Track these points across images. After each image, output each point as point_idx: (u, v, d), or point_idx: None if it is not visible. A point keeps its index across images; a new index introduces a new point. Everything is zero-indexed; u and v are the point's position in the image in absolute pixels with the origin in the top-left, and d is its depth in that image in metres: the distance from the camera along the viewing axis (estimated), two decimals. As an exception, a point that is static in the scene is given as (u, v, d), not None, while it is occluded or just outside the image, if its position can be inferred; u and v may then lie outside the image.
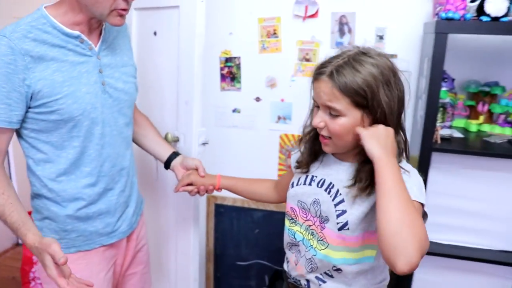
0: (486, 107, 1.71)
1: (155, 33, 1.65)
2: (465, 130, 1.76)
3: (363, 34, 1.80)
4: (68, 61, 1.14)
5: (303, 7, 1.83)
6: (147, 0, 1.63)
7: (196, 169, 1.46)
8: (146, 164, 1.77)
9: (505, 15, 1.37)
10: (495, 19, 1.37)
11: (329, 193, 1.10)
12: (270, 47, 1.92)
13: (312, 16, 1.83)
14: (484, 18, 1.38)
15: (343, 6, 1.80)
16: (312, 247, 1.12)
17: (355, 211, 1.04)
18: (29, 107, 1.13)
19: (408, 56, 1.76)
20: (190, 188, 1.45)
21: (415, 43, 1.73)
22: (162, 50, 1.64)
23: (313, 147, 1.16)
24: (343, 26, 1.82)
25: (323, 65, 1.02)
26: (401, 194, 0.89)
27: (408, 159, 1.09)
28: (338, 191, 1.08)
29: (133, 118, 1.39)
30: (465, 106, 1.78)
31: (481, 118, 1.74)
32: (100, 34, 1.22)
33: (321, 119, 1.04)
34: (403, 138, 1.06)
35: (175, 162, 1.49)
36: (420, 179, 1.02)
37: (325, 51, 1.84)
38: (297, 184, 1.19)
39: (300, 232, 1.17)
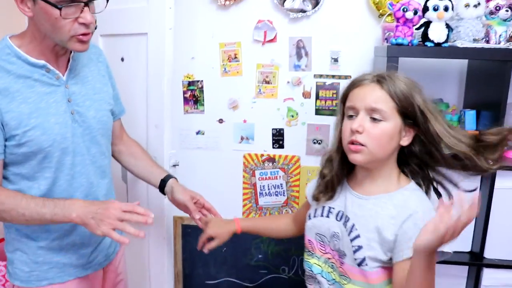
0: (432, 122, 1.86)
1: (122, 59, 1.67)
2: (415, 144, 1.89)
3: (319, 57, 1.91)
4: (35, 92, 1.11)
5: (262, 32, 1.91)
6: (114, 27, 1.65)
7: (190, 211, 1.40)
8: (116, 188, 1.74)
9: (446, 41, 1.53)
10: (438, 44, 1.53)
11: (345, 226, 1.07)
12: (231, 71, 1.99)
13: (271, 40, 1.92)
14: (429, 44, 1.53)
15: (299, 31, 1.90)
16: (336, 281, 1.09)
17: (371, 248, 1.01)
18: None
19: (361, 77, 1.89)
20: (214, 244, 1.38)
21: (367, 65, 1.86)
22: (130, 76, 1.65)
23: (339, 173, 1.12)
24: (300, 49, 1.92)
25: (362, 76, 1.05)
26: None
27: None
28: (353, 225, 1.05)
29: (110, 147, 1.37)
30: (414, 122, 1.93)
31: (429, 132, 1.88)
32: (69, 62, 1.20)
33: (359, 124, 1.01)
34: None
35: (166, 192, 1.44)
36: None
37: (284, 74, 1.95)
38: (314, 216, 1.16)
39: (319, 265, 1.13)
